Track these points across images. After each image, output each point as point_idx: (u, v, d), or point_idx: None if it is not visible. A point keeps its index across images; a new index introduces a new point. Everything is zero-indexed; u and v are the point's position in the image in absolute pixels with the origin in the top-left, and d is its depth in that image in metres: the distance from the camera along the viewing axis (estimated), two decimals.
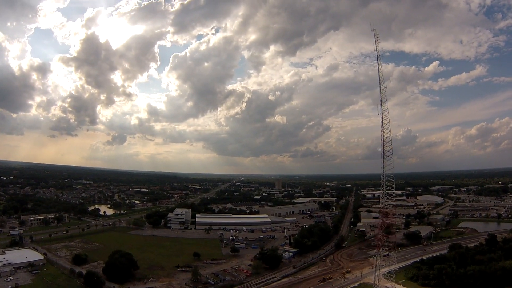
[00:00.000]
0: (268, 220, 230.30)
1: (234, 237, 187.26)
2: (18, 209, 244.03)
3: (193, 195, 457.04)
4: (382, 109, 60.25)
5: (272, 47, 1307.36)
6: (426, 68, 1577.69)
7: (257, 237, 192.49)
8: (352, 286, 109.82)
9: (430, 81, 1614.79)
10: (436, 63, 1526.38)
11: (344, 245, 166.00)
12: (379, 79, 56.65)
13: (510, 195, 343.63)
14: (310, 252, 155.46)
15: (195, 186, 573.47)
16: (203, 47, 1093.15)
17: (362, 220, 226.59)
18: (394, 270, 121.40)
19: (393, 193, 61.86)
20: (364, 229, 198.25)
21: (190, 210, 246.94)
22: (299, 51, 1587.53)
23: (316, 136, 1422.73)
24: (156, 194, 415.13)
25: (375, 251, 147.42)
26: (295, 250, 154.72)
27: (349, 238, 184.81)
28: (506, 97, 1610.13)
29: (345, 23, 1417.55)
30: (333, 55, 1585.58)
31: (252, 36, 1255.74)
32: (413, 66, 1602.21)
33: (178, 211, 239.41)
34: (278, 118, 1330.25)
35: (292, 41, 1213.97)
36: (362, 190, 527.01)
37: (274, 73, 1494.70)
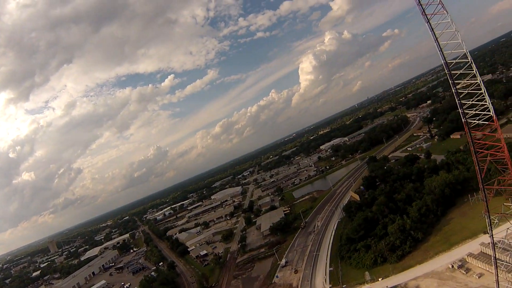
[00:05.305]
0: None
1: None
2: None
3: None
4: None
5: (2, 95, 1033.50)
6: (163, 84, 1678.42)
7: None
8: None
9: (168, 95, 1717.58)
10: (171, 77, 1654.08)
11: (214, 285, 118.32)
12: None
13: (295, 158, 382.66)
14: None
15: None
16: None
17: (188, 243, 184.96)
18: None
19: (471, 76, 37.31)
20: (206, 252, 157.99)
21: None
22: (32, 95, 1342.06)
23: (70, 183, 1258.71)
24: None
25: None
26: None
27: (207, 269, 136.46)
28: (237, 92, 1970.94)
29: (78, 53, 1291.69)
30: (69, 92, 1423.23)
31: None
32: (150, 85, 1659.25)
33: None
34: (26, 176, 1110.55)
35: (23, 83, 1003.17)
36: (144, 216, 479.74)
37: (10, 125, 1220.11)
